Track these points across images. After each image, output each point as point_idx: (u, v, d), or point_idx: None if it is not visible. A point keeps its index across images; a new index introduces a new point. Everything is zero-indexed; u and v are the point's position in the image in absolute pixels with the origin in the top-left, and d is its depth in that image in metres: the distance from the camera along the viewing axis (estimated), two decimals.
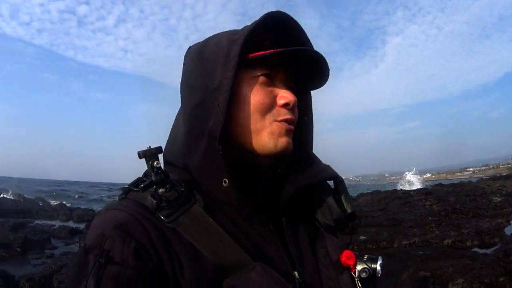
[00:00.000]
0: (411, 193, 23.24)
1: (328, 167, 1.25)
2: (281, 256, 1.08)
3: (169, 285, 0.92)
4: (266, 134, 1.08)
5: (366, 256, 1.16)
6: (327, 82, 1.20)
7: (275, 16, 1.10)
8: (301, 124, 1.23)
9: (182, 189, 1.03)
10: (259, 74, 1.10)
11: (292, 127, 1.13)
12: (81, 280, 0.87)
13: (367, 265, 1.13)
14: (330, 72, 1.15)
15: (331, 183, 1.26)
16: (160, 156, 1.08)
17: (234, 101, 1.08)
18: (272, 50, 1.06)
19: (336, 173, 1.24)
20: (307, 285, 1.07)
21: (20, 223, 14.53)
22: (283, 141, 1.10)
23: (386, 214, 15.74)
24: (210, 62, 1.09)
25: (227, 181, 1.03)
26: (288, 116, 1.10)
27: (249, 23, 1.09)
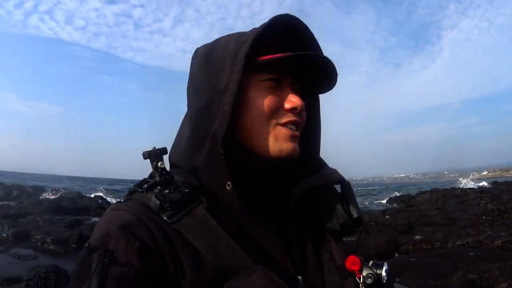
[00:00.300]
0: (468, 191, 22.97)
1: (335, 171, 1.22)
2: (284, 260, 1.07)
3: (172, 287, 0.92)
4: (271, 138, 1.08)
5: (372, 261, 1.15)
6: (335, 87, 1.19)
7: (284, 20, 1.09)
8: (308, 128, 1.21)
9: (186, 190, 1.02)
10: (266, 78, 1.09)
11: (297, 133, 1.11)
12: (84, 280, 0.88)
13: (373, 271, 1.12)
14: (338, 76, 1.15)
15: (338, 187, 1.24)
16: (166, 158, 1.08)
17: (241, 104, 1.07)
18: (280, 54, 1.06)
19: (342, 177, 1.21)
20: None
21: (76, 220, 14.95)
22: (288, 146, 1.08)
23: (443, 213, 15.66)
24: (217, 65, 1.09)
25: (230, 184, 1.04)
26: (293, 118, 1.09)
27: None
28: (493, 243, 9.24)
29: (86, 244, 0.95)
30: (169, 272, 0.92)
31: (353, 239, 1.35)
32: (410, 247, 10.68)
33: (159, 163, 1.04)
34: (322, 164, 1.25)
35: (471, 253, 8.50)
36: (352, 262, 1.12)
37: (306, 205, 1.22)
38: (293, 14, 1.09)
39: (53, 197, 24.26)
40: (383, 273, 1.11)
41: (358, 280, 1.11)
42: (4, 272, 8.32)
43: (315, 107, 1.27)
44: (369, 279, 1.10)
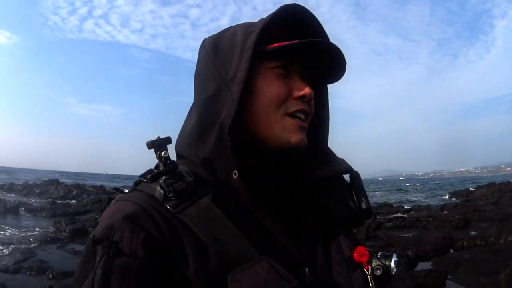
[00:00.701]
0: None
1: (343, 161, 1.19)
2: (291, 251, 1.05)
3: (177, 277, 0.91)
4: (279, 128, 1.06)
5: (380, 253, 1.12)
6: (344, 76, 1.17)
7: (292, 9, 1.07)
8: (317, 118, 1.19)
9: (191, 180, 1.01)
10: (275, 65, 1.08)
11: (306, 124, 1.10)
12: (88, 272, 0.88)
13: (381, 262, 1.08)
14: (347, 65, 1.12)
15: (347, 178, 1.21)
16: (170, 148, 1.07)
17: (249, 93, 1.06)
18: (288, 42, 1.04)
19: (351, 167, 1.18)
20: (318, 281, 1.03)
21: None
22: (296, 137, 1.06)
23: (497, 207, 15.20)
24: (225, 54, 1.08)
25: (236, 173, 1.02)
26: (302, 106, 1.08)
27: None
28: None
29: (91, 236, 0.95)
30: (174, 262, 0.91)
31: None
32: (465, 243, 10.48)
33: (163, 153, 1.03)
34: (330, 155, 1.22)
35: None
36: (360, 254, 1.09)
37: (314, 195, 1.19)
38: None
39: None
40: (392, 265, 1.08)
41: (367, 272, 1.08)
42: (60, 267, 8.60)
43: (324, 98, 1.25)
44: (378, 271, 1.07)
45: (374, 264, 1.08)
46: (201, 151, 1.09)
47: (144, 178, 1.06)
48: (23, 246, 10.80)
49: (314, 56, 1.10)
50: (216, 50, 1.11)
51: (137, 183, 1.08)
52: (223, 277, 0.91)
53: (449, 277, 7.96)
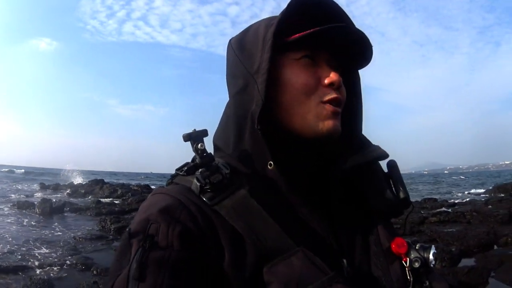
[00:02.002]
0: None
1: (378, 147, 1.18)
2: (329, 241, 1.04)
3: (213, 270, 0.91)
4: (312, 117, 1.06)
5: (419, 244, 1.09)
6: (372, 60, 1.15)
7: None
8: (350, 105, 1.18)
9: (227, 172, 1.02)
10: (300, 56, 1.07)
11: (339, 109, 1.09)
12: (124, 265, 0.89)
13: (420, 254, 1.05)
14: (373, 48, 1.11)
15: (384, 167, 1.19)
16: (206, 140, 1.07)
17: (278, 85, 1.07)
18: (309, 31, 1.03)
19: (386, 152, 1.16)
20: (356, 273, 1.02)
21: None
22: (330, 123, 1.05)
23: None
24: (250, 49, 1.10)
25: (272, 163, 1.03)
26: (335, 95, 1.06)
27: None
28: None
29: (127, 230, 0.96)
30: (210, 255, 0.91)
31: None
32: (509, 239, 10.23)
33: (199, 145, 1.04)
34: (364, 142, 1.20)
35: None
36: (398, 245, 1.06)
37: (351, 184, 1.17)
38: None
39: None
40: (431, 257, 1.05)
41: (405, 264, 1.05)
42: (104, 264, 8.83)
43: (356, 84, 1.23)
44: (416, 263, 1.04)
45: (412, 256, 1.05)
46: (236, 144, 1.11)
47: (181, 171, 1.07)
48: (68, 243, 11.08)
49: (339, 42, 1.09)
50: (241, 46, 1.13)
51: (174, 176, 1.09)
52: (259, 269, 0.91)
53: (492, 274, 7.80)
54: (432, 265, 1.06)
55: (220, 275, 0.91)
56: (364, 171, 1.16)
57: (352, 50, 1.12)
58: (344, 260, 1.01)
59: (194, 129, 1.05)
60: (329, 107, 1.06)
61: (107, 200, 23.44)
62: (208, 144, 1.09)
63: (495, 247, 9.99)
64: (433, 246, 1.08)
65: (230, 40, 1.19)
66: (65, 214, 17.59)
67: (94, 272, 8.30)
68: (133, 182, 42.61)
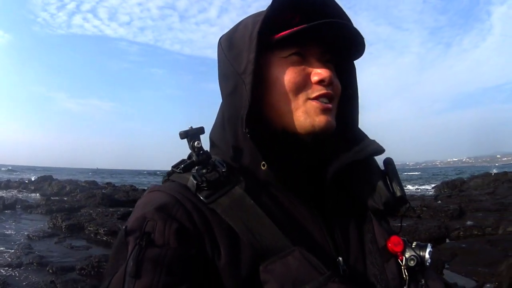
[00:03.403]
0: None
1: (373, 142, 1.16)
2: (324, 240, 1.04)
3: (209, 268, 0.91)
4: (301, 114, 1.05)
5: (415, 242, 1.09)
6: (365, 53, 1.14)
7: None
8: (345, 98, 1.17)
9: (224, 170, 1.02)
10: (289, 53, 1.06)
11: (330, 105, 1.07)
12: (120, 263, 0.89)
13: (416, 253, 1.06)
14: (364, 40, 1.09)
15: (380, 164, 1.19)
16: (203, 137, 1.07)
17: (266, 85, 1.07)
18: (295, 28, 1.02)
19: (381, 147, 1.14)
20: (351, 271, 1.02)
21: (130, 212, 14.89)
22: (321, 120, 1.05)
23: (494, 198, 15.32)
24: (237, 47, 1.08)
25: (265, 164, 1.03)
26: (324, 91, 1.05)
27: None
28: None
29: (123, 227, 0.96)
30: (206, 253, 0.91)
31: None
32: (461, 233, 10.55)
33: (196, 143, 1.04)
34: (361, 136, 1.18)
35: None
36: (394, 243, 1.06)
37: (346, 181, 1.17)
38: None
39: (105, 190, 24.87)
40: (427, 255, 1.05)
41: (400, 262, 1.05)
42: (59, 262, 8.68)
43: (351, 75, 1.21)
44: (412, 261, 1.04)
45: (408, 254, 1.05)
46: (231, 143, 1.09)
47: (177, 169, 1.06)
48: (22, 242, 10.83)
49: (329, 37, 1.08)
50: (229, 45, 1.11)
51: (170, 173, 1.09)
52: (255, 267, 0.91)
53: (446, 266, 8.02)
54: (428, 264, 1.06)
55: (216, 272, 0.91)
56: (359, 167, 1.15)
57: (344, 43, 1.10)
58: (340, 258, 1.02)
59: (191, 127, 1.05)
60: (317, 104, 1.05)
61: (56, 197, 23.13)
62: (204, 141, 1.08)
63: (447, 240, 10.27)
64: (429, 244, 1.08)
65: (220, 39, 1.17)
66: (17, 211, 17.31)
67: (50, 271, 8.12)
68: (81, 178, 42.10)
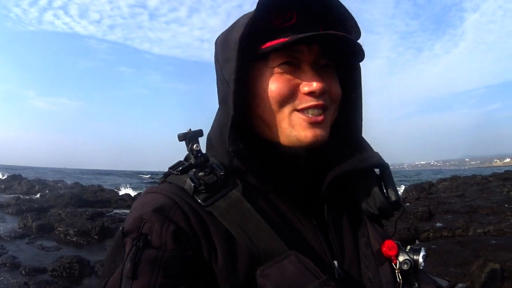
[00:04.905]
0: (490, 178, 22.65)
1: (376, 154, 1.15)
2: (320, 244, 1.05)
3: (205, 270, 0.91)
4: (287, 126, 1.04)
5: (409, 246, 1.11)
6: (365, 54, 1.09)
7: None
8: (348, 102, 1.16)
9: (221, 173, 1.02)
10: (278, 63, 1.03)
11: (320, 118, 1.04)
12: (117, 263, 0.89)
13: (409, 257, 1.07)
14: (360, 43, 1.06)
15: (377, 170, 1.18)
16: (201, 140, 1.06)
17: (255, 94, 1.05)
18: (280, 40, 0.99)
19: (383, 161, 1.14)
20: (346, 275, 1.03)
21: (98, 213, 15.26)
22: (307, 134, 1.03)
23: (463, 200, 15.49)
24: (226, 52, 1.05)
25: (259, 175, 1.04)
26: (313, 102, 1.02)
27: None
28: None
29: (120, 228, 0.96)
30: (203, 255, 0.91)
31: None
32: (430, 234, 10.65)
33: (194, 145, 1.03)
34: (363, 146, 1.17)
35: (493, 242, 8.40)
36: (388, 247, 1.07)
37: (343, 187, 1.17)
38: None
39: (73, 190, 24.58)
40: (420, 259, 1.07)
41: (395, 266, 1.06)
42: (31, 263, 8.55)
43: (355, 78, 1.18)
44: (406, 265, 1.05)
45: (402, 258, 1.07)
46: (227, 149, 1.06)
47: (174, 170, 1.06)
48: None
49: (322, 43, 1.05)
50: (222, 49, 1.09)
51: (167, 175, 1.08)
52: (251, 271, 0.92)
53: None
54: (421, 267, 1.08)
55: (213, 275, 0.91)
56: (356, 173, 1.15)
57: (340, 48, 1.06)
58: (335, 262, 1.03)
59: (189, 129, 1.04)
60: (304, 116, 1.03)
61: (27, 196, 22.74)
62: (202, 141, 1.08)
63: (417, 242, 10.35)
64: (423, 248, 1.10)
65: (216, 39, 1.15)
66: None
67: (23, 272, 8.01)
68: (49, 178, 41.47)
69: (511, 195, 14.64)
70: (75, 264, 8.06)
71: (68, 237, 11.53)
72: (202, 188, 0.98)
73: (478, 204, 13.32)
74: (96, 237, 11.39)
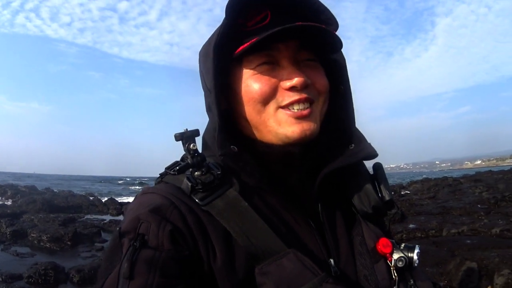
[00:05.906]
0: (461, 180, 22.92)
1: (368, 145, 1.14)
2: (316, 243, 1.05)
3: (203, 270, 0.92)
4: (273, 124, 1.04)
5: (403, 244, 1.12)
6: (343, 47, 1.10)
7: None
8: (338, 95, 1.16)
9: (218, 172, 1.02)
10: (256, 64, 1.05)
11: (306, 111, 1.04)
12: (115, 264, 0.89)
13: (404, 254, 1.08)
14: (340, 39, 1.06)
15: (370, 169, 1.21)
16: (197, 140, 1.07)
17: (238, 98, 1.06)
18: (252, 41, 1.00)
19: (374, 152, 1.13)
20: (342, 273, 1.04)
21: (70, 218, 15.10)
22: (294, 130, 1.03)
23: (435, 202, 15.62)
24: (206, 61, 1.07)
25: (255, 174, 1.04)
26: (296, 97, 1.03)
27: None
28: (490, 231, 9.14)
29: (117, 229, 0.96)
30: (200, 255, 0.92)
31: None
32: (404, 235, 10.70)
33: (191, 145, 1.04)
34: (357, 138, 1.16)
35: (468, 241, 8.45)
36: (383, 245, 1.08)
37: (338, 186, 1.18)
38: None
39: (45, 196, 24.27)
40: (415, 257, 1.08)
41: (389, 264, 1.07)
42: (6, 270, 8.41)
43: (340, 70, 1.18)
44: (400, 263, 1.07)
45: (396, 256, 1.08)
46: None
47: (171, 170, 1.06)
48: None
49: (298, 36, 1.05)
50: (203, 60, 1.11)
51: (163, 175, 1.08)
52: (250, 269, 0.93)
53: None
54: (416, 265, 1.09)
55: (211, 274, 0.92)
56: (350, 171, 1.16)
57: (317, 40, 1.07)
58: (331, 260, 1.04)
59: (186, 129, 1.04)
60: (289, 112, 1.04)
61: None
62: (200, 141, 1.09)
63: None
64: (417, 246, 1.12)
65: (199, 52, 1.15)
66: None
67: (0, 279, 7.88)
68: (20, 183, 40.86)
69: (484, 195, 14.82)
70: (50, 271, 7.95)
71: (42, 243, 11.36)
72: (199, 187, 0.99)
73: (451, 205, 13.44)
74: (69, 243, 11.26)
